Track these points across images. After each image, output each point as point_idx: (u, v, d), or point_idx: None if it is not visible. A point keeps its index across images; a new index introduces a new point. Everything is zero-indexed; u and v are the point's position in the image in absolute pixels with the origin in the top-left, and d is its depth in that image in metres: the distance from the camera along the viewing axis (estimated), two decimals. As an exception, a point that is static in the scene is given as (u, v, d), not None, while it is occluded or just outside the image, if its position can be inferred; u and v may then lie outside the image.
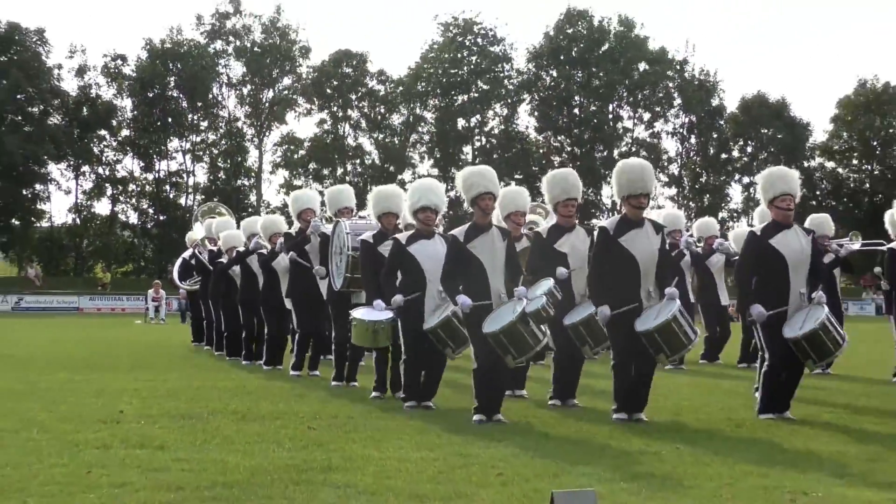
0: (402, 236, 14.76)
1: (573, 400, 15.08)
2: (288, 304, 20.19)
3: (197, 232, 28.34)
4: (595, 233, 13.88)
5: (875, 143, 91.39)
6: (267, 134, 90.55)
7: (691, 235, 23.88)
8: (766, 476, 9.49)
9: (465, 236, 13.31)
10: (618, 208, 13.95)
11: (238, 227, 24.61)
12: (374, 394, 16.07)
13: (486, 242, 13.29)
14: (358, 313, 15.64)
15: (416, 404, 14.51)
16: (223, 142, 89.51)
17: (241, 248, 22.79)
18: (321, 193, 20.68)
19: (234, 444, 11.21)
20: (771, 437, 12.12)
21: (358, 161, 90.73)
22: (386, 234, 15.82)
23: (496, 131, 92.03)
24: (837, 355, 14.12)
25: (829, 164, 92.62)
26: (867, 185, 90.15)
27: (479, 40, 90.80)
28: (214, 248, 25.02)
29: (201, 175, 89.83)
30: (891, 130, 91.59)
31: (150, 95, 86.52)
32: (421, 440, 11.66)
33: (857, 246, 21.04)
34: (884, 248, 19.40)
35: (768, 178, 13.94)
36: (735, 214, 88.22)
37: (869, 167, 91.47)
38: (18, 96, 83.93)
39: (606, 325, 13.45)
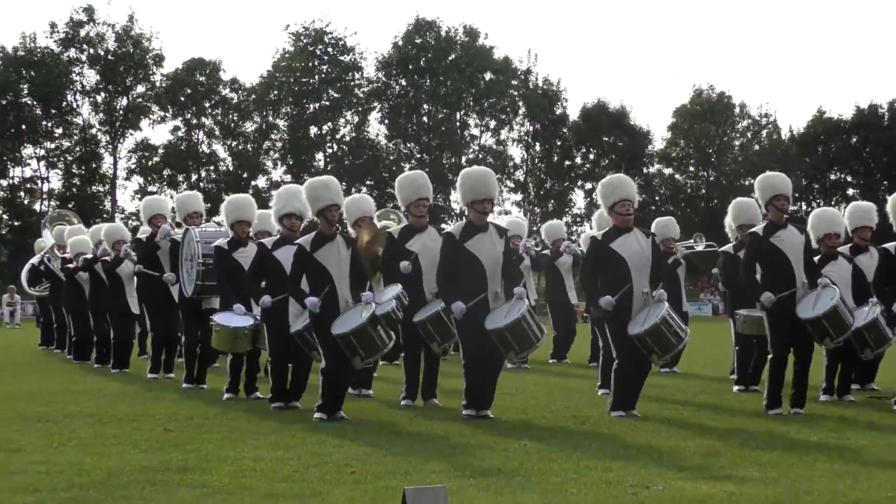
0: (268, 241, 14.95)
1: (434, 399, 15.11)
2: (134, 307, 20.25)
3: (46, 239, 28.14)
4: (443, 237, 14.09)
5: (710, 151, 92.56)
6: (121, 141, 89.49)
7: (532, 239, 24.28)
8: (609, 471, 9.59)
9: (311, 245, 13.42)
10: (465, 213, 14.09)
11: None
12: (227, 395, 16.03)
13: (331, 251, 13.45)
14: (219, 318, 15.57)
15: (284, 405, 14.56)
16: (77, 148, 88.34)
17: (89, 255, 22.73)
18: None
19: (91, 447, 11.09)
20: (614, 432, 12.26)
21: (212, 167, 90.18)
22: (240, 242, 15.98)
23: (347, 138, 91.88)
24: (680, 348, 14.30)
25: (668, 171, 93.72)
26: (703, 191, 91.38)
27: (330, 49, 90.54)
28: (68, 255, 24.78)
29: (56, 182, 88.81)
30: (724, 139, 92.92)
31: (4, 102, 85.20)
32: (276, 440, 11.64)
33: (701, 247, 21.36)
34: (719, 250, 19.65)
35: (607, 186, 14.15)
36: (578, 219, 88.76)
37: (705, 174, 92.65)
38: None
39: (458, 325, 13.62)
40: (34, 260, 28.77)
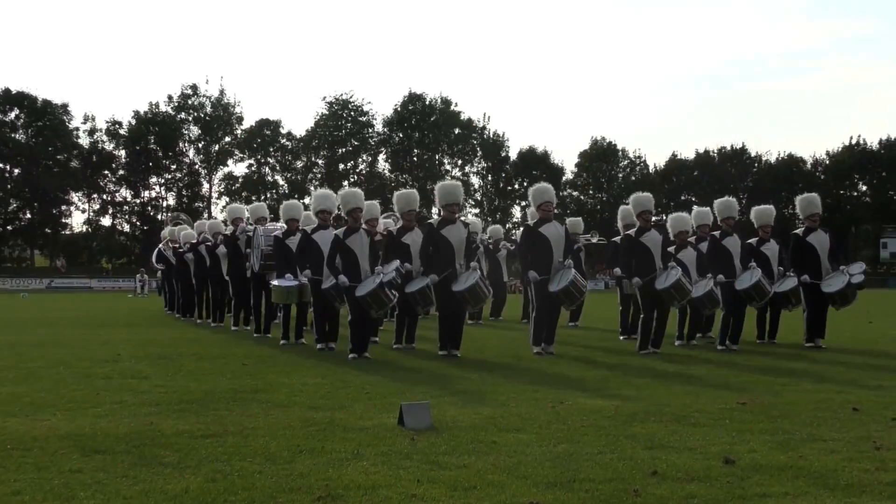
0: (309, 229, 14.99)
1: (412, 344, 15.16)
2: (226, 276, 20.23)
3: (168, 233, 28.07)
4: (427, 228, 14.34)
5: (603, 181, 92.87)
6: (214, 173, 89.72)
7: (486, 236, 24.71)
8: (536, 391, 9.57)
9: (343, 235, 13.58)
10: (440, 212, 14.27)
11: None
12: (282, 341, 16.10)
13: (356, 239, 13.59)
14: (275, 282, 15.77)
15: (324, 346, 14.59)
16: (185, 178, 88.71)
17: (193, 241, 22.83)
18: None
19: (194, 375, 11.04)
20: (539, 366, 12.24)
21: (274, 191, 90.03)
22: (291, 232, 16.21)
23: (364, 172, 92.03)
24: (581, 300, 14.48)
25: (575, 194, 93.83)
26: (598, 207, 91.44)
27: (352, 112, 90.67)
28: (178, 245, 24.77)
29: (171, 200, 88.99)
30: (612, 172, 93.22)
31: (138, 148, 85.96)
32: (316, 371, 11.60)
33: (595, 240, 21.70)
34: (610, 240, 19.96)
35: (536, 192, 14.41)
36: (515, 225, 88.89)
37: (600, 195, 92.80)
38: (50, 148, 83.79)
39: (435, 290, 13.76)
40: (160, 246, 28.67)
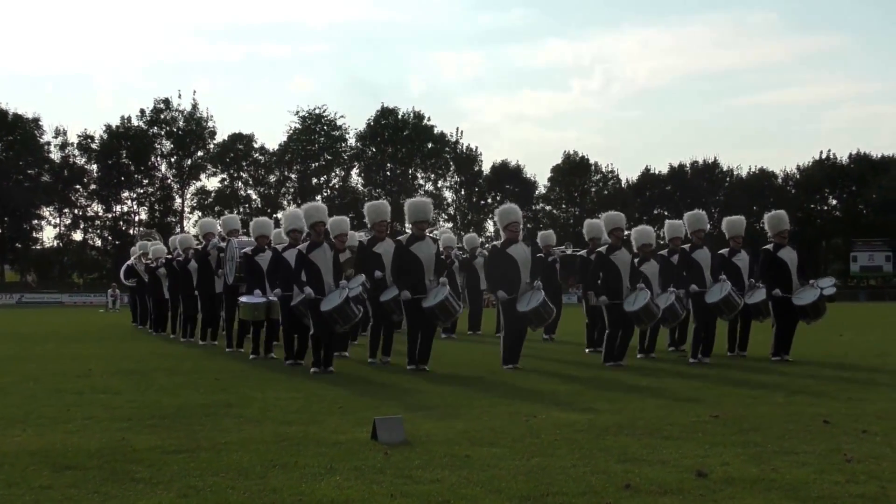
0: (280, 247, 15.12)
1: (388, 358, 15.16)
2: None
3: (138, 248, 27.93)
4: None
5: (576, 195, 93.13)
6: (187, 187, 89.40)
7: (461, 249, 24.74)
8: (510, 405, 9.57)
9: (306, 249, 13.61)
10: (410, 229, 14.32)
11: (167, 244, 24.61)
12: (252, 356, 16.05)
13: (320, 253, 13.60)
14: (243, 299, 15.82)
15: (293, 362, 14.56)
16: (158, 193, 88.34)
17: (166, 257, 22.69)
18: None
19: (166, 390, 10.98)
20: (512, 380, 12.25)
21: (247, 205, 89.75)
22: (261, 249, 16.33)
23: (337, 186, 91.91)
24: (549, 321, 14.56)
25: (548, 208, 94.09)
26: (571, 221, 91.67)
27: (325, 127, 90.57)
28: (150, 260, 24.60)
29: (144, 214, 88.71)
30: (584, 186, 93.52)
31: (110, 162, 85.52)
32: (288, 385, 11.57)
33: (569, 251, 21.72)
34: (578, 253, 20.12)
35: (503, 213, 14.46)
36: (488, 239, 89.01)
37: (573, 210, 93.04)
38: (21, 162, 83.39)
39: (405, 306, 13.85)
40: (129, 261, 28.47)
